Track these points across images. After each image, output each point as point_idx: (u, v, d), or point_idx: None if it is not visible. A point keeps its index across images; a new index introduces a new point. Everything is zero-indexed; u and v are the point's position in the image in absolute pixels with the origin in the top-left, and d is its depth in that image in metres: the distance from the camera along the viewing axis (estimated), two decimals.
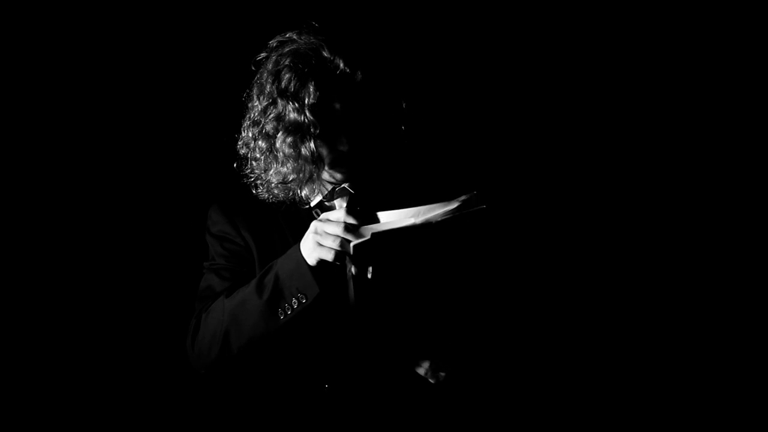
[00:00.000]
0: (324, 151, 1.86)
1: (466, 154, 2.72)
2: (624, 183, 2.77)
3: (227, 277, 1.97)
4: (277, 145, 1.85)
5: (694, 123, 2.75)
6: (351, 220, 1.73)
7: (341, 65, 1.84)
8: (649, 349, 2.75)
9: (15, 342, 2.62)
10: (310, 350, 1.91)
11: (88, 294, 2.67)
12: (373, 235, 1.67)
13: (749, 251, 2.73)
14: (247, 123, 1.93)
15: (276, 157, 1.88)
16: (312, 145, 1.83)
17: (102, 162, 2.68)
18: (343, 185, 1.90)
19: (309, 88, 1.82)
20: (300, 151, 1.84)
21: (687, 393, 2.73)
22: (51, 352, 2.64)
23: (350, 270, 1.78)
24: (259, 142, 1.89)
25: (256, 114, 1.89)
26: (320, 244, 1.74)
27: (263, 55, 1.93)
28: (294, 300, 1.79)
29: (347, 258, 1.73)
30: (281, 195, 1.94)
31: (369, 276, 1.70)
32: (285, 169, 1.87)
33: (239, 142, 1.96)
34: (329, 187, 1.93)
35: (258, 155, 1.91)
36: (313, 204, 1.97)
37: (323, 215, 1.78)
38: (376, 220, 1.75)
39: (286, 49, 1.88)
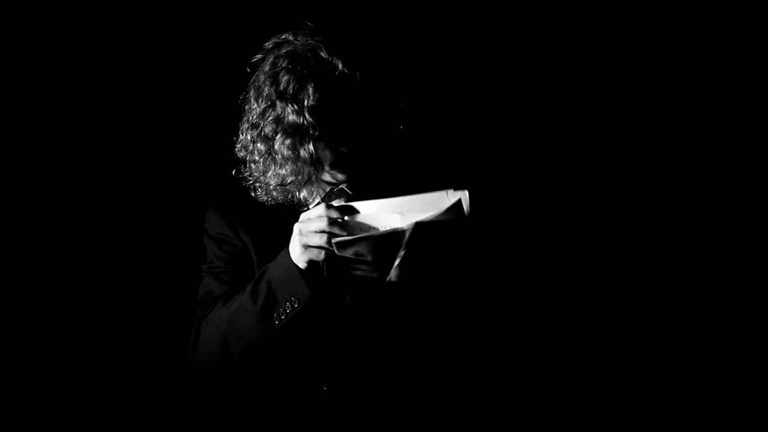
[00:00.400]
0: (323, 153, 1.85)
1: (463, 152, 2.71)
2: (619, 183, 2.76)
3: (226, 280, 1.97)
4: (276, 147, 1.84)
5: (688, 120, 2.74)
6: (333, 214, 1.73)
7: (340, 66, 1.83)
8: (645, 349, 2.75)
9: (13, 346, 2.62)
10: (308, 352, 1.91)
11: (85, 296, 2.67)
12: (357, 239, 1.68)
13: (747, 251, 2.73)
14: (245, 126, 1.92)
15: (275, 159, 1.86)
16: (311, 146, 1.82)
17: (100, 165, 2.68)
18: (341, 186, 1.89)
19: (308, 89, 1.81)
20: (299, 153, 1.82)
21: (686, 393, 2.73)
22: (49, 354, 2.64)
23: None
24: (258, 145, 1.88)
25: (255, 116, 1.88)
26: (307, 246, 1.75)
27: (259, 56, 1.92)
28: (287, 304, 1.80)
29: (325, 260, 1.74)
30: (280, 197, 1.93)
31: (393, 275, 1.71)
32: (284, 171, 1.86)
33: (237, 145, 1.95)
34: (327, 188, 1.92)
35: (256, 157, 1.90)
36: (312, 206, 1.96)
37: (303, 215, 1.78)
38: (356, 212, 1.76)
39: (283, 51, 1.87)
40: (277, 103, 1.83)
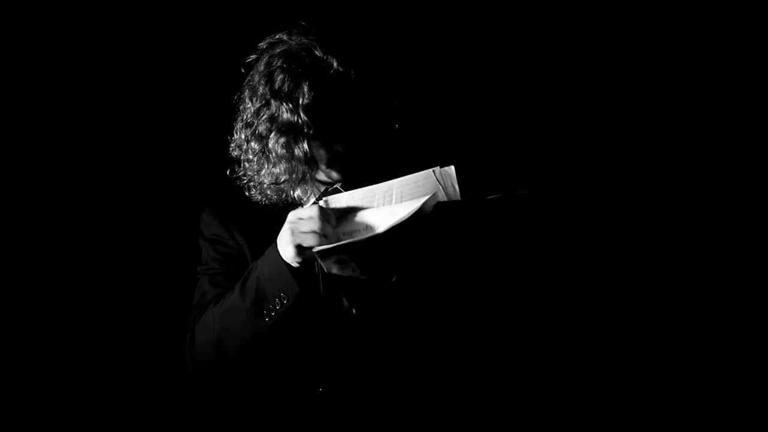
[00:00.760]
0: (318, 152, 1.85)
1: (458, 150, 2.70)
2: (614, 178, 2.76)
3: (220, 282, 1.97)
4: (270, 145, 1.84)
5: (685, 118, 2.74)
6: (326, 215, 1.74)
7: (335, 64, 1.83)
8: (645, 348, 2.75)
9: (11, 349, 2.61)
10: (303, 353, 1.91)
11: (80, 297, 2.66)
12: (342, 245, 1.68)
13: (749, 251, 2.72)
14: (239, 125, 1.92)
15: (268, 158, 1.87)
16: (305, 145, 1.82)
17: (95, 168, 2.67)
18: (335, 185, 1.89)
19: (303, 88, 1.81)
20: (293, 151, 1.83)
21: (686, 393, 2.72)
22: (46, 355, 2.63)
23: (318, 268, 1.79)
24: (252, 144, 1.88)
25: (249, 115, 1.88)
26: (300, 246, 1.75)
27: (253, 56, 1.92)
28: (277, 300, 1.80)
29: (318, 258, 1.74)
30: (274, 196, 1.93)
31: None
32: (277, 169, 1.86)
33: (231, 144, 1.95)
34: (322, 188, 1.92)
35: (251, 156, 1.90)
36: (306, 206, 1.95)
37: (293, 213, 1.77)
38: (350, 211, 1.76)
39: (278, 50, 1.87)
40: (272, 101, 1.83)
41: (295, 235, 1.75)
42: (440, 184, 1.75)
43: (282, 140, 1.82)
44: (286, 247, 1.77)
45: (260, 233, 1.95)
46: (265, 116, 1.84)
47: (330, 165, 1.87)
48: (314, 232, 1.73)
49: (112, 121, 2.68)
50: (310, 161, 1.84)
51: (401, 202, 1.75)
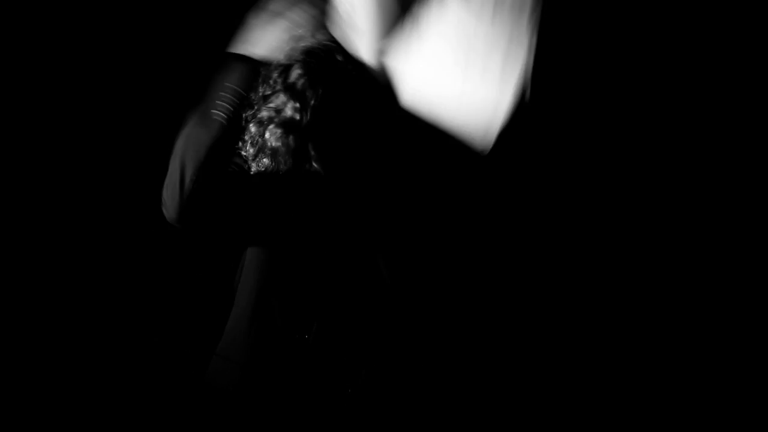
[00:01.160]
0: (311, 151, 1.86)
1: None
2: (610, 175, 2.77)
3: None
4: (267, 135, 1.86)
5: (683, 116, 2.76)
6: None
7: (353, 72, 1.85)
8: (645, 348, 2.75)
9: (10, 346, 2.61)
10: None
11: (74, 297, 2.66)
12: None
13: (748, 251, 2.73)
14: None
15: (263, 146, 1.88)
16: (301, 143, 1.84)
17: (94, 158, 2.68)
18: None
19: (318, 90, 1.83)
20: (287, 146, 1.84)
21: (687, 393, 2.73)
22: (45, 357, 2.63)
23: None
24: (250, 126, 1.90)
25: (255, 97, 1.89)
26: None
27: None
28: (224, 96, 1.76)
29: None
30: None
31: None
32: (267, 160, 1.87)
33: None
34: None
35: (245, 137, 1.90)
36: None
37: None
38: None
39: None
40: (281, 94, 1.85)
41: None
42: None
43: (279, 132, 1.84)
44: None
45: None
46: (271, 104, 1.86)
47: (317, 162, 1.87)
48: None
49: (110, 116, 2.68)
50: (300, 157, 1.85)
51: None
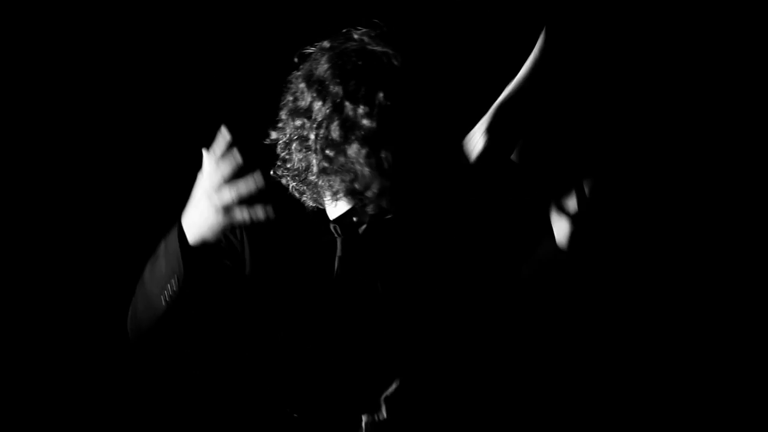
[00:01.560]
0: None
1: None
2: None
3: None
4: (350, 153, 1.67)
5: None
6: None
7: (411, 79, 1.69)
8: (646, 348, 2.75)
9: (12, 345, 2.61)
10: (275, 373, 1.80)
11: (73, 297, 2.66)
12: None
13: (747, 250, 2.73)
14: (297, 122, 1.73)
15: (343, 166, 1.68)
16: (387, 154, 1.66)
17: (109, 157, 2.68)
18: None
19: (379, 96, 1.65)
20: (375, 160, 1.66)
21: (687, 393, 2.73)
22: (45, 357, 2.63)
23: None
24: (327, 151, 1.69)
25: (320, 115, 1.69)
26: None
27: (314, 48, 1.77)
28: (170, 284, 1.69)
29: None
30: (311, 202, 1.78)
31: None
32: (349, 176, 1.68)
33: (282, 140, 1.77)
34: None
35: (315, 160, 1.70)
36: (334, 217, 1.80)
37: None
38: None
39: (352, 47, 1.72)
40: (347, 103, 1.66)
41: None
42: None
43: (364, 150, 1.66)
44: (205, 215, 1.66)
45: (269, 234, 1.81)
46: (337, 120, 1.67)
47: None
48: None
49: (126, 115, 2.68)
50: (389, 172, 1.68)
51: None
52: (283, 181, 1.77)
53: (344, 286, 1.77)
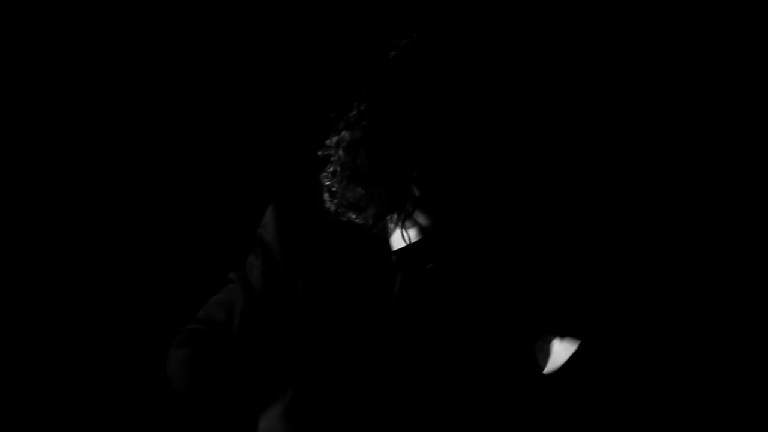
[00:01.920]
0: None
1: None
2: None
3: (244, 309, 1.62)
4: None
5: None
6: None
7: (499, 89, 1.55)
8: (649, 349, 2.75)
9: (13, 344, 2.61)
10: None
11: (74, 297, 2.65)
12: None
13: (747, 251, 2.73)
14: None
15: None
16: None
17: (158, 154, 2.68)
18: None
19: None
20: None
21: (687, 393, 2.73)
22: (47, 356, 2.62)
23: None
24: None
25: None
26: None
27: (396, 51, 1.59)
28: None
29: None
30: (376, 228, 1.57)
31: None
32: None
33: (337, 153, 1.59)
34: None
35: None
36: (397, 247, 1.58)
37: None
38: None
39: (438, 54, 1.55)
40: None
41: None
42: None
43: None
44: None
45: (328, 260, 1.60)
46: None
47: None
48: None
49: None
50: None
51: None
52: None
53: (396, 330, 1.55)
